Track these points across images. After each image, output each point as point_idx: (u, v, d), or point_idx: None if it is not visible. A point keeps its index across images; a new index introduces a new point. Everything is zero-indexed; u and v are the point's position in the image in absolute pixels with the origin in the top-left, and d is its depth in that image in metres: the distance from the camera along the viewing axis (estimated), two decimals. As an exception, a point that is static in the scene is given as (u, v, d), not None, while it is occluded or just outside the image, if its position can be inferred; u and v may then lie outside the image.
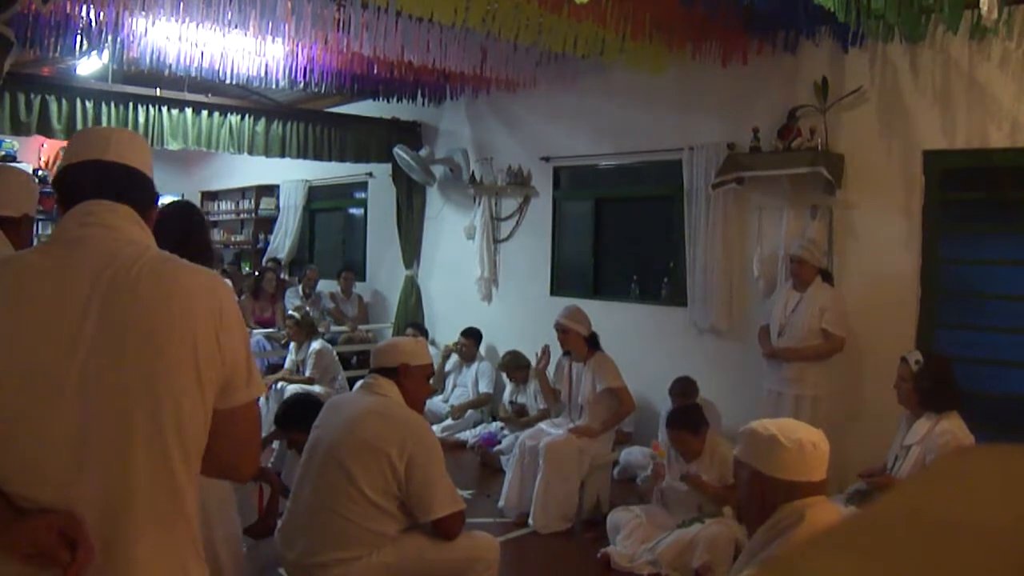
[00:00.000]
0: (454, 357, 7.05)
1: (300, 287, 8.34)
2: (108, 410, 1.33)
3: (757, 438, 2.01)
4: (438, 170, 7.71)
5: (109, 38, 5.33)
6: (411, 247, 8.03)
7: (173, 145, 6.64)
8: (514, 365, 6.39)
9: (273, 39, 5.29)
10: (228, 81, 6.09)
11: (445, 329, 7.59)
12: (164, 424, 1.36)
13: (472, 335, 6.91)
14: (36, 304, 1.36)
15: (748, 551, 2.03)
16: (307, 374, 6.47)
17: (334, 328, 7.89)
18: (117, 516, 1.34)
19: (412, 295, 8.02)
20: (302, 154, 7.38)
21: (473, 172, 7.32)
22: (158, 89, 6.47)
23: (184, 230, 2.75)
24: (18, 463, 1.32)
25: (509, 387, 6.55)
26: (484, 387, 6.82)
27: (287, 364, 6.79)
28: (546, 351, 5.16)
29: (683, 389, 5.20)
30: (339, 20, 4.92)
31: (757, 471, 1.98)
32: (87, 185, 1.49)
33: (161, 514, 1.38)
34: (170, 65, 5.66)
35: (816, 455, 1.98)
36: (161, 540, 1.37)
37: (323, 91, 6.86)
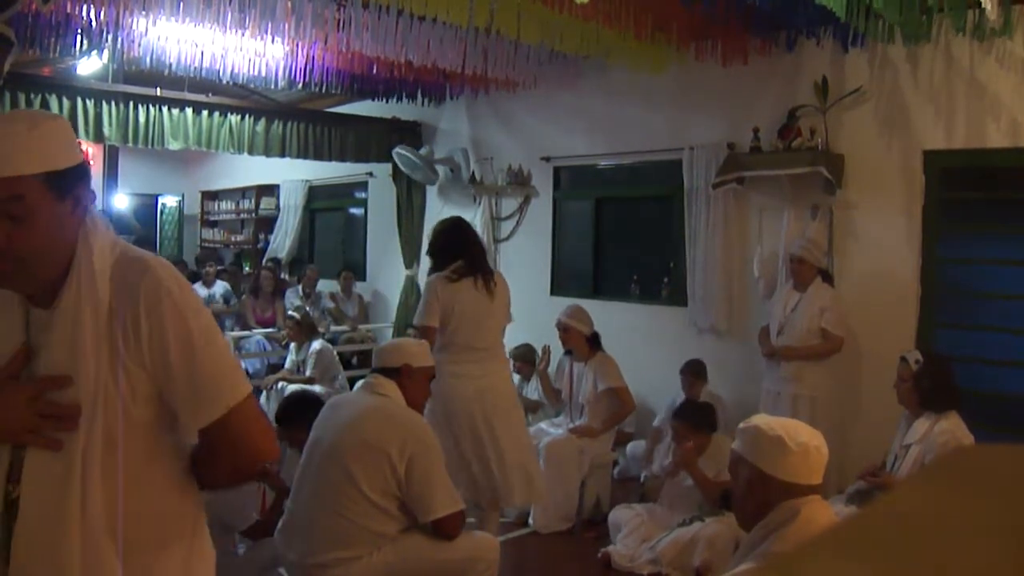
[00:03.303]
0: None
1: (300, 287, 8.33)
2: None
3: (763, 437, 1.99)
4: (438, 169, 7.71)
5: (109, 38, 5.33)
6: (411, 247, 8.03)
7: (173, 145, 6.64)
8: (524, 359, 6.34)
9: (273, 39, 5.29)
10: (228, 81, 6.09)
11: (445, 329, 7.57)
12: None
13: None
14: None
15: (745, 546, 2.04)
16: (307, 374, 6.46)
17: (334, 328, 7.88)
18: None
19: (412, 295, 8.01)
20: (302, 154, 7.38)
21: (473, 172, 7.32)
22: (158, 89, 6.47)
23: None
24: None
25: (517, 380, 6.51)
26: (484, 387, 6.79)
27: (287, 364, 6.77)
28: (547, 351, 5.17)
29: (694, 369, 5.25)
30: (339, 20, 4.92)
31: (760, 471, 1.97)
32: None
33: None
34: (170, 65, 5.66)
35: (819, 459, 1.99)
36: None
37: (323, 91, 6.86)
